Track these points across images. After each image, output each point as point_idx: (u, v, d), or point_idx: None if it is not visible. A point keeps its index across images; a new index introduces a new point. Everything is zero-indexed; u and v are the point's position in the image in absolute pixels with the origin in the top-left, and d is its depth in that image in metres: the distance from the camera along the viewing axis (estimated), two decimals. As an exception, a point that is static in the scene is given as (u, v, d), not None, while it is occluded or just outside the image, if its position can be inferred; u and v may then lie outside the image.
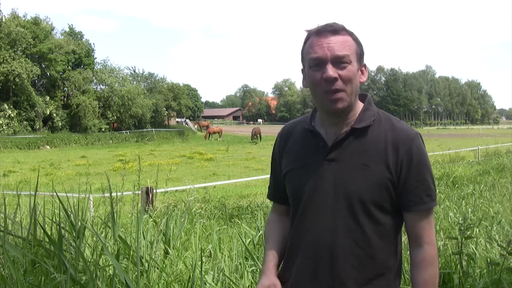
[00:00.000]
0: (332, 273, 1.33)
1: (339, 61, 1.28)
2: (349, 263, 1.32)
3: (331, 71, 1.27)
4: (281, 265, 1.51)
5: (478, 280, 2.94)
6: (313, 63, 1.30)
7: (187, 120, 61.21)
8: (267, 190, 1.65)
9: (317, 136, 1.39)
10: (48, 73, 38.53)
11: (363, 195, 1.30)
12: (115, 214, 2.87)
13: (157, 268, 2.84)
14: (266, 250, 1.53)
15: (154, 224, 3.44)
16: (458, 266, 3.02)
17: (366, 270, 1.32)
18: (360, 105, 1.39)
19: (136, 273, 2.62)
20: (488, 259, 3.17)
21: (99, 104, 40.31)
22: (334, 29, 1.30)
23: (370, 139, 1.34)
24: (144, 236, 3.18)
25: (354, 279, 1.32)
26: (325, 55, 1.28)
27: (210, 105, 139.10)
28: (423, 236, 1.34)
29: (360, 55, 1.34)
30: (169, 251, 3.33)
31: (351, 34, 1.33)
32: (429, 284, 1.32)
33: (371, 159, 1.31)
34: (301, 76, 1.41)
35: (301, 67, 1.40)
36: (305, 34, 1.36)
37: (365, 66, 1.38)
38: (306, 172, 1.38)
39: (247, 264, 3.20)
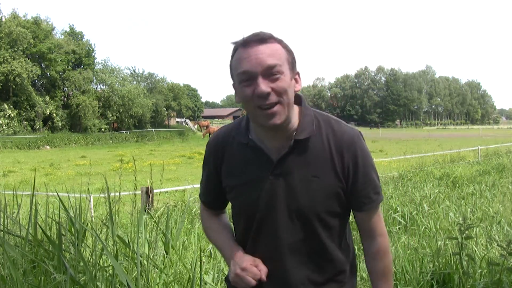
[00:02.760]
0: (289, 283, 1.34)
1: (270, 73, 1.19)
2: (309, 269, 1.34)
3: (263, 85, 1.18)
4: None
5: (478, 280, 2.94)
6: (242, 78, 1.22)
7: (187, 120, 61.21)
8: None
9: (259, 151, 1.31)
10: (48, 73, 38.52)
11: (316, 207, 1.29)
12: (113, 215, 2.87)
13: (157, 269, 2.84)
14: (223, 241, 1.46)
15: (155, 224, 3.44)
16: (459, 266, 3.02)
17: (325, 273, 1.36)
18: (296, 110, 1.33)
19: (135, 273, 2.62)
20: (488, 259, 3.17)
21: (99, 104, 40.30)
22: (261, 38, 1.21)
23: (315, 148, 1.29)
24: (143, 236, 3.18)
25: (311, 283, 1.35)
26: (254, 68, 1.19)
27: (210, 105, 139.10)
28: (376, 229, 1.38)
29: (292, 63, 1.26)
30: (168, 251, 3.33)
31: (280, 41, 1.25)
32: (388, 273, 1.39)
33: (320, 170, 1.28)
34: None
35: (232, 82, 1.31)
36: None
37: (298, 74, 1.30)
38: (254, 189, 1.32)
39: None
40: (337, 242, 1.37)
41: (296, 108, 1.33)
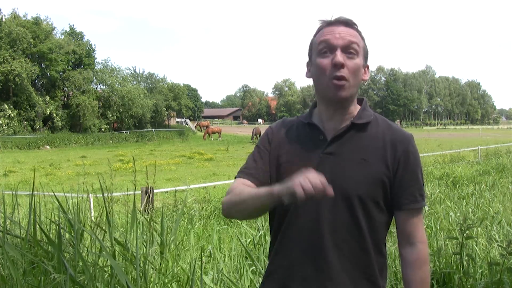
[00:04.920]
0: (326, 264, 1.32)
1: (348, 48, 1.30)
2: (344, 256, 1.32)
3: (340, 56, 1.29)
4: (270, 257, 1.45)
5: (479, 280, 2.93)
6: (322, 48, 1.33)
7: (187, 120, 61.21)
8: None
9: (316, 129, 1.39)
10: (48, 73, 38.53)
11: (360, 190, 1.31)
12: (112, 215, 2.87)
13: (155, 269, 2.83)
14: (256, 189, 1.34)
15: (150, 224, 3.43)
16: (459, 266, 3.01)
17: (359, 266, 1.33)
18: (357, 107, 1.42)
19: (133, 274, 2.62)
20: (489, 259, 3.16)
21: (99, 104, 40.32)
22: (346, 22, 1.34)
23: (369, 135, 1.36)
24: (140, 237, 3.18)
25: (347, 271, 1.32)
26: (336, 41, 1.31)
27: (210, 105, 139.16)
28: (416, 234, 1.35)
29: (366, 53, 1.38)
30: (164, 251, 3.33)
31: (360, 32, 1.37)
32: (425, 283, 1.33)
33: (370, 155, 1.33)
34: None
35: (307, 60, 1.42)
36: (309, 30, 1.41)
37: (368, 67, 1.41)
38: (304, 165, 1.30)
39: (246, 264, 3.20)
40: (376, 239, 1.35)
41: (357, 105, 1.43)
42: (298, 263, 1.34)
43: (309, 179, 1.13)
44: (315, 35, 1.38)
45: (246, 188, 1.37)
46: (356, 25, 1.36)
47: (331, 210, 1.31)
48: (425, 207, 5.62)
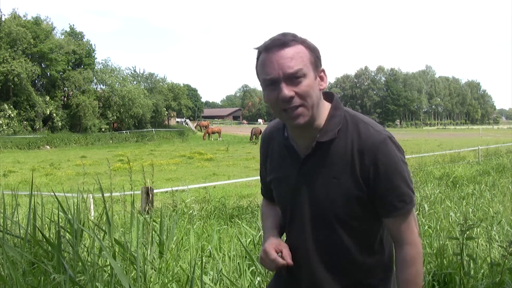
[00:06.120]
0: (317, 278, 1.38)
1: (293, 77, 1.22)
2: (331, 269, 1.37)
3: (286, 90, 1.22)
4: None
5: (481, 280, 2.93)
6: (267, 83, 1.27)
7: (187, 120, 61.22)
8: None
9: (291, 148, 1.39)
10: (48, 73, 38.54)
11: (337, 209, 1.32)
12: (112, 215, 2.86)
13: (154, 270, 2.83)
14: (265, 226, 1.57)
15: (148, 224, 3.43)
16: (460, 266, 3.01)
17: (349, 275, 1.38)
18: (325, 111, 1.34)
19: (132, 274, 2.61)
20: (489, 260, 3.16)
21: (99, 104, 40.33)
22: (282, 43, 1.24)
23: (337, 150, 1.31)
24: (140, 237, 3.17)
25: (339, 282, 1.37)
26: (277, 74, 1.23)
27: (210, 105, 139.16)
28: (403, 237, 1.34)
29: (315, 62, 1.28)
30: (163, 251, 3.33)
31: (302, 42, 1.27)
32: (410, 283, 1.33)
33: (340, 172, 1.30)
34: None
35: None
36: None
37: (323, 71, 1.32)
38: (286, 184, 1.40)
39: (246, 264, 3.19)
40: (365, 245, 1.36)
41: (327, 107, 1.36)
42: (295, 279, 1.44)
43: (265, 258, 1.37)
44: (256, 61, 1.30)
45: (263, 215, 1.62)
46: (295, 39, 1.25)
47: (314, 228, 1.37)
48: (425, 206, 5.62)
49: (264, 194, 1.66)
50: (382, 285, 1.41)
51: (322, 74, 1.31)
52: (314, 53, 1.28)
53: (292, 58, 1.23)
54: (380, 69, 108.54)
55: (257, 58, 1.30)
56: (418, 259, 1.33)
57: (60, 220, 3.02)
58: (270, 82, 1.25)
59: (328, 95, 1.38)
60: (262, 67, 1.27)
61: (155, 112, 47.22)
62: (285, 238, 1.52)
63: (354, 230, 1.34)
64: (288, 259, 1.36)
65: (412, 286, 1.33)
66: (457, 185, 8.47)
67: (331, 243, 1.35)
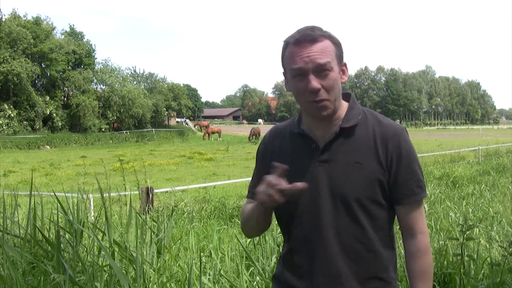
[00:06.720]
0: (336, 269, 1.34)
1: (321, 70, 1.29)
2: (351, 259, 1.34)
3: (314, 82, 1.28)
4: (277, 268, 1.52)
5: (481, 281, 2.93)
6: (295, 73, 1.31)
7: (187, 120, 61.22)
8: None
9: (308, 138, 1.40)
10: (48, 73, 38.54)
11: (359, 193, 1.33)
12: (111, 215, 2.86)
13: (153, 270, 2.83)
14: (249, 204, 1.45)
15: (154, 224, 3.44)
16: (460, 266, 3.01)
17: (368, 266, 1.35)
18: (344, 105, 1.42)
19: (132, 274, 2.61)
20: (489, 260, 3.16)
21: (99, 104, 40.32)
22: (312, 38, 1.29)
23: (359, 137, 1.36)
24: (139, 237, 3.17)
25: (356, 274, 1.34)
26: (306, 66, 1.28)
27: (210, 105, 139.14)
28: (416, 226, 1.38)
29: (339, 56, 1.35)
30: (161, 251, 3.33)
31: (328, 37, 1.33)
32: (426, 272, 1.36)
33: (363, 157, 1.34)
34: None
35: (282, 71, 1.40)
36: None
37: (345, 65, 1.40)
38: (300, 176, 1.36)
39: (245, 264, 3.19)
40: (381, 236, 1.37)
41: (344, 104, 1.42)
42: (308, 275, 1.37)
43: (269, 184, 1.25)
44: (283, 52, 1.35)
45: (246, 207, 1.48)
46: (323, 33, 1.32)
47: (333, 216, 1.34)
48: (425, 206, 5.62)
49: (252, 194, 1.46)
50: (394, 284, 1.40)
51: (344, 67, 1.39)
52: (338, 47, 1.35)
53: (322, 52, 1.29)
54: (380, 69, 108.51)
55: (284, 49, 1.35)
56: (430, 248, 1.39)
57: (60, 220, 3.02)
58: (299, 73, 1.30)
59: (345, 95, 1.44)
60: (292, 57, 1.31)
61: (155, 112, 47.21)
62: (284, 239, 1.50)
63: (374, 218, 1.35)
64: (300, 185, 1.24)
65: (428, 275, 1.36)
66: (457, 185, 8.47)
67: (353, 232, 1.34)
